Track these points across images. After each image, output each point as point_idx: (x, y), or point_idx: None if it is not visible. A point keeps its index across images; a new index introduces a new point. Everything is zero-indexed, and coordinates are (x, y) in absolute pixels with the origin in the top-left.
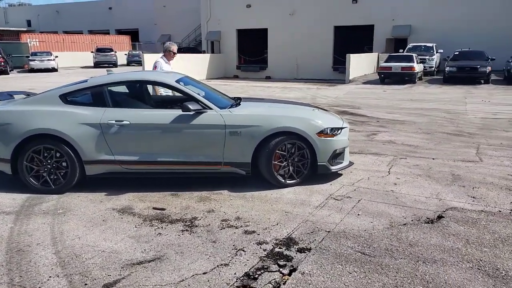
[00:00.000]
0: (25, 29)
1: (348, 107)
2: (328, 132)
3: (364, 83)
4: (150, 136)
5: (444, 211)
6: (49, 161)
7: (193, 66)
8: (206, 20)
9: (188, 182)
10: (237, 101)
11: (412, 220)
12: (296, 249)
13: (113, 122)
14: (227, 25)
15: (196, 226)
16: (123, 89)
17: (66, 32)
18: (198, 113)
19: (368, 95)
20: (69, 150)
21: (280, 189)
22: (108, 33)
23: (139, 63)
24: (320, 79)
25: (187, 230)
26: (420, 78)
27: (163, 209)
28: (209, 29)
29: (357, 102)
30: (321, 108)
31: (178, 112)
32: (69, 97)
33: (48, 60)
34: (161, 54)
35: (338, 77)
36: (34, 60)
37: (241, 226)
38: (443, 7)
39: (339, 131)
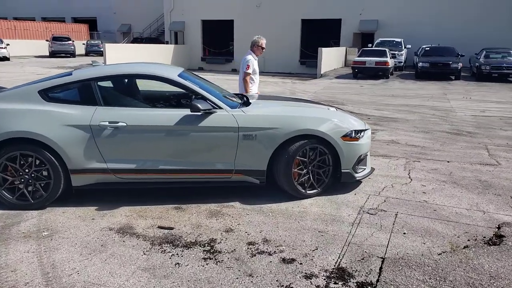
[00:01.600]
0: None
1: (332, 103)
2: (353, 135)
3: (337, 77)
4: (150, 140)
5: (499, 228)
6: (27, 170)
7: (156, 57)
8: (169, 10)
9: (190, 193)
10: (243, 99)
11: (469, 240)
12: (355, 284)
13: (106, 123)
14: (192, 15)
15: (219, 252)
16: (113, 84)
17: (16, 19)
18: (207, 113)
19: (346, 90)
20: (52, 157)
21: (300, 201)
22: (64, 21)
23: (99, 53)
24: (287, 72)
25: (210, 258)
26: (391, 73)
27: (171, 228)
28: (172, 19)
29: (339, 98)
30: (333, 106)
31: (183, 112)
32: (51, 93)
33: None
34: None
35: (305, 71)
36: None
37: (275, 252)
38: (410, 3)
39: (362, 134)
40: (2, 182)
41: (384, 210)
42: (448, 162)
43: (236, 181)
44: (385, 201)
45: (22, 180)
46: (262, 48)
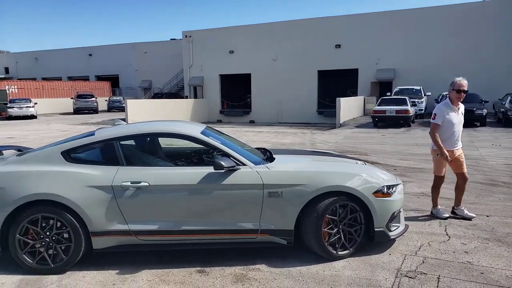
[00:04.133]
0: (2, 76)
1: (354, 153)
2: (385, 191)
3: (357, 126)
4: (173, 199)
5: None
6: (47, 233)
7: (176, 112)
8: (188, 66)
9: (214, 255)
10: (266, 154)
11: None
12: None
13: (128, 184)
14: (210, 70)
15: None
16: (135, 142)
17: (45, 79)
18: (231, 170)
19: (367, 140)
20: (73, 219)
21: (331, 263)
22: (88, 79)
23: (120, 108)
24: (305, 122)
25: None
26: (412, 121)
27: None
28: (191, 74)
29: (361, 148)
30: (360, 160)
31: (206, 169)
32: (73, 154)
33: (27, 107)
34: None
35: (323, 121)
36: (13, 107)
37: None
38: (426, 50)
39: (394, 189)
40: (23, 245)
41: (424, 273)
42: (488, 216)
43: (262, 242)
44: (423, 262)
45: (43, 243)
46: (458, 92)
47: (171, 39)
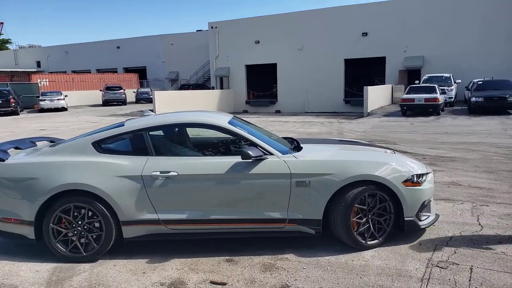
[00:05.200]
0: (34, 70)
1: (383, 142)
2: (415, 180)
3: (385, 115)
4: (201, 189)
5: None
6: (79, 222)
7: (203, 103)
8: (214, 57)
9: (242, 244)
10: (294, 143)
11: None
12: None
13: (158, 173)
14: (236, 61)
15: None
16: (164, 133)
17: (74, 72)
18: (258, 160)
19: (396, 129)
20: (104, 209)
21: (360, 252)
22: (116, 71)
23: (148, 100)
24: (331, 112)
25: None
26: (442, 110)
27: (224, 284)
28: (217, 65)
29: (390, 137)
30: (389, 148)
31: (233, 159)
32: (104, 145)
33: (58, 99)
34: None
35: (350, 110)
36: (44, 100)
37: None
38: (456, 37)
39: (424, 178)
40: (56, 234)
41: (456, 263)
42: None
43: (290, 231)
44: (455, 252)
45: (75, 232)
46: None
47: (197, 31)
